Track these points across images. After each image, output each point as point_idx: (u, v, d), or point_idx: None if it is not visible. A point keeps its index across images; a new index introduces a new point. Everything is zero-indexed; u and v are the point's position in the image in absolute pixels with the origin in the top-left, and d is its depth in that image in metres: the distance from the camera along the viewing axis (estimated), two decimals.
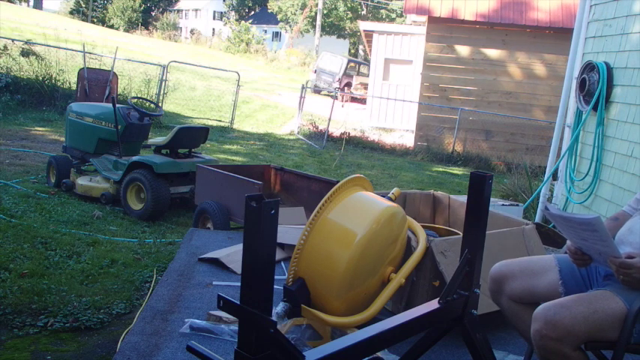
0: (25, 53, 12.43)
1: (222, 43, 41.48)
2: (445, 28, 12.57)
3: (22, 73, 11.70)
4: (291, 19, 46.50)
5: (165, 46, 32.72)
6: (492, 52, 12.54)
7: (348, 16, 44.51)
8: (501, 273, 2.31)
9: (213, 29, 56.15)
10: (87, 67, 10.26)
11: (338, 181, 3.05)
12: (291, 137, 12.96)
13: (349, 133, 13.13)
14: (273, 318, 1.54)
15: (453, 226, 3.73)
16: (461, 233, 2.69)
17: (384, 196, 2.83)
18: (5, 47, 12.34)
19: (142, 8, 48.89)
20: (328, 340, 2.60)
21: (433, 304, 2.00)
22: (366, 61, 24.41)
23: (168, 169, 5.59)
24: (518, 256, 2.53)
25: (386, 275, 2.66)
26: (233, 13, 57.09)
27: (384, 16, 43.62)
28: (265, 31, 49.23)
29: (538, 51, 12.30)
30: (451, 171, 11.16)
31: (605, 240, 1.95)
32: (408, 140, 13.62)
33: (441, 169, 11.21)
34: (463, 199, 2.92)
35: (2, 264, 3.85)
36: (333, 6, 44.50)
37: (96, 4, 49.64)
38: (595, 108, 5.41)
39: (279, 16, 47.53)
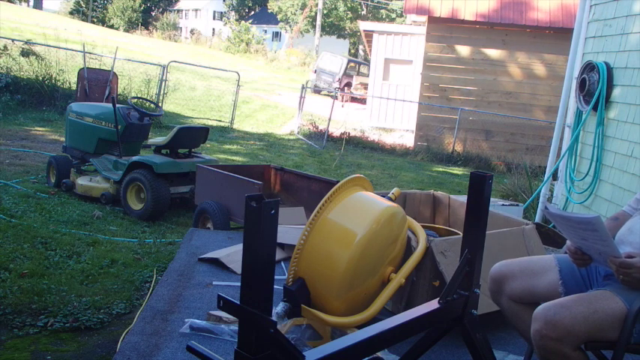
0: (25, 53, 12.43)
1: (222, 43, 41.48)
2: (445, 28, 12.58)
3: (22, 73, 11.70)
4: (291, 19, 46.50)
5: (165, 46, 32.73)
6: (492, 52, 12.54)
7: (348, 16, 44.52)
8: (501, 273, 2.31)
9: (213, 29, 56.16)
10: (87, 67, 10.26)
11: (338, 181, 3.05)
12: (291, 137, 12.96)
13: (349, 133, 13.13)
14: (273, 318, 1.54)
15: (453, 226, 3.73)
16: (461, 233, 2.69)
17: (384, 196, 2.83)
18: (5, 47, 12.34)
19: (142, 8, 48.88)
20: (328, 340, 2.60)
21: (433, 304, 2.00)
22: (366, 61, 24.41)
23: (169, 169, 5.59)
24: (518, 256, 2.53)
25: (386, 275, 2.66)
26: (233, 13, 57.09)
27: (384, 16, 43.63)
28: (265, 31, 49.23)
29: (538, 51, 12.30)
30: (451, 171, 11.16)
31: (605, 240, 1.95)
32: (408, 140, 13.62)
33: (441, 169, 11.21)
34: (463, 199, 2.92)
35: (2, 264, 3.85)
36: (333, 6, 44.50)
37: (96, 4, 49.65)
38: (595, 108, 5.41)
39: (279, 16, 47.54)
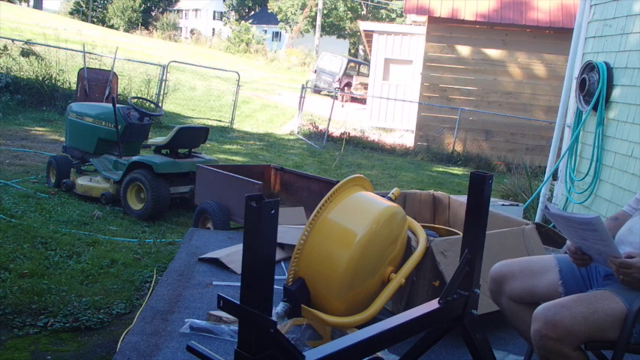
0: (25, 53, 12.43)
1: (222, 43, 41.48)
2: (445, 28, 12.58)
3: (22, 73, 11.70)
4: (291, 19, 46.50)
5: (165, 46, 32.73)
6: (492, 52, 12.54)
7: (348, 16, 44.52)
8: (501, 273, 2.31)
9: (213, 29, 56.16)
10: (87, 67, 10.26)
11: (338, 181, 3.05)
12: (291, 137, 12.96)
13: (349, 133, 13.13)
14: (273, 318, 1.54)
15: (453, 226, 3.73)
16: (461, 233, 2.69)
17: (384, 196, 2.83)
18: (5, 47, 12.34)
19: (142, 8, 48.88)
20: (328, 340, 2.60)
21: (433, 304, 2.00)
22: (366, 61, 24.41)
23: (169, 169, 5.59)
24: (518, 256, 2.53)
25: (386, 275, 2.66)
26: (233, 13, 57.09)
27: (384, 16, 43.63)
28: (265, 31, 49.23)
29: (538, 51, 12.30)
30: (451, 171, 11.16)
31: (605, 240, 1.95)
32: (408, 140, 13.62)
33: (441, 169, 11.21)
34: (463, 199, 2.92)
35: (2, 264, 3.85)
36: (333, 6, 44.50)
37: (96, 4, 49.65)
38: (595, 108, 5.41)
39: (279, 16, 47.54)
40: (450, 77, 12.71)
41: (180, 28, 53.31)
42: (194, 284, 3.45)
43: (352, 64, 24.54)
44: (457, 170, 11.33)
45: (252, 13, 57.45)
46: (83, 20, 43.12)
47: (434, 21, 12.54)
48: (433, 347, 2.20)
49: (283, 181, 5.58)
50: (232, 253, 3.86)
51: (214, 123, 13.04)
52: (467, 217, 2.07)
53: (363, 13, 44.23)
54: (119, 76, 10.79)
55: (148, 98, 11.77)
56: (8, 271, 3.75)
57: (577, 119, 5.89)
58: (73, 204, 5.71)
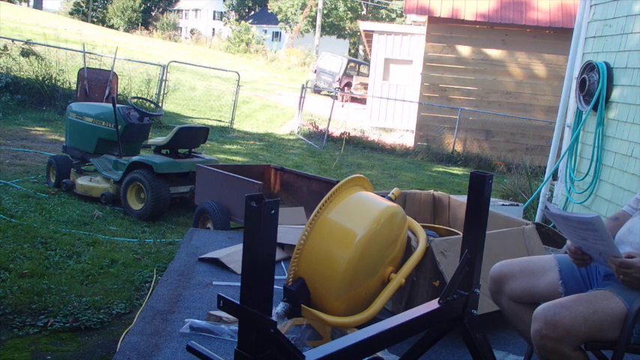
0: (25, 53, 12.42)
1: (222, 43, 41.49)
2: (445, 28, 12.58)
3: (22, 73, 11.70)
4: (291, 19, 46.50)
5: (165, 46, 32.73)
6: (492, 52, 12.54)
7: (348, 16, 44.51)
8: (501, 273, 2.31)
9: (213, 29, 56.16)
10: (87, 67, 10.26)
11: (338, 181, 3.05)
12: (291, 137, 12.96)
13: (349, 133, 13.13)
14: (273, 318, 1.54)
15: (453, 226, 3.73)
16: (461, 233, 2.69)
17: (384, 196, 2.83)
18: (5, 47, 12.34)
19: (142, 8, 48.88)
20: (328, 340, 2.60)
21: (433, 304, 2.00)
22: (366, 61, 24.41)
23: (169, 169, 5.59)
24: (518, 256, 2.53)
25: (386, 275, 2.66)
26: (233, 13, 57.09)
27: (384, 16, 43.63)
28: (265, 31, 49.23)
29: (538, 51, 12.30)
30: (451, 171, 11.16)
31: (605, 240, 1.95)
32: (408, 140, 13.62)
33: (441, 169, 11.21)
34: (463, 199, 2.92)
35: (2, 264, 3.85)
36: (333, 6, 44.50)
37: (96, 4, 49.65)
38: (595, 108, 5.41)
39: (279, 16, 47.54)
40: (450, 77, 12.71)
41: (180, 28, 53.32)
42: (194, 284, 3.45)
43: (352, 64, 24.54)
44: (457, 170, 11.33)
45: (252, 13, 57.45)
46: (83, 20, 43.12)
47: (434, 21, 12.54)
48: (433, 347, 2.20)
49: (283, 181, 5.58)
50: (232, 253, 3.86)
51: (214, 123, 13.04)
52: (467, 217, 2.07)
53: (363, 13, 44.23)
54: (119, 76, 10.79)
55: (148, 98, 11.77)
56: (8, 271, 3.75)
57: (577, 119, 5.89)
58: (73, 204, 5.71)
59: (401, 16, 37.42)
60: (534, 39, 12.31)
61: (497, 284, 2.31)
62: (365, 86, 20.46)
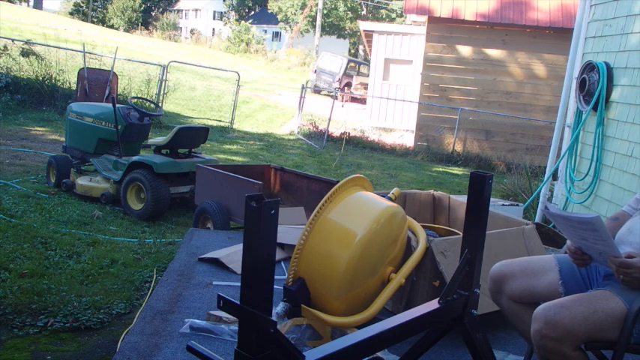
0: (25, 53, 12.42)
1: (222, 43, 41.48)
2: (445, 28, 12.58)
3: (22, 73, 11.69)
4: (291, 19, 46.50)
5: (165, 46, 32.73)
6: (492, 52, 12.54)
7: (348, 16, 44.51)
8: (501, 273, 2.31)
9: (213, 29, 56.16)
10: (87, 67, 10.26)
11: (338, 181, 3.05)
12: (291, 137, 12.96)
13: (349, 133, 13.13)
14: (273, 318, 1.54)
15: (453, 226, 3.73)
16: (461, 233, 2.69)
17: (384, 196, 2.83)
18: (5, 47, 12.34)
19: (142, 8, 48.88)
20: (328, 340, 2.60)
21: (433, 304, 2.00)
22: (366, 61, 24.41)
23: (169, 169, 5.59)
24: (518, 256, 2.53)
25: (386, 275, 2.66)
26: (233, 13, 57.09)
27: (384, 16, 43.63)
28: (265, 31, 49.23)
29: (538, 51, 12.30)
30: (451, 171, 11.16)
31: (605, 239, 1.95)
32: (408, 140, 13.62)
33: (441, 169, 11.21)
34: (463, 199, 2.92)
35: (2, 264, 3.85)
36: (333, 6, 44.50)
37: (96, 4, 49.65)
38: (595, 108, 5.41)
39: (279, 16, 47.54)
40: (450, 77, 12.71)
41: (180, 28, 53.31)
42: (194, 284, 3.45)
43: (352, 64, 24.54)
44: (457, 170, 11.33)
45: (252, 13, 57.45)
46: (83, 20, 43.12)
47: (434, 21, 12.54)
48: (433, 347, 2.20)
49: (283, 181, 5.58)
50: (232, 253, 3.86)
51: (214, 123, 13.04)
52: (467, 217, 2.07)
53: (363, 13, 44.23)
54: (119, 76, 10.79)
55: (148, 98, 11.77)
56: (8, 271, 3.75)
57: (577, 119, 5.89)
58: (73, 204, 5.71)
59: (401, 16, 37.42)
60: (534, 39, 12.32)
61: (497, 284, 2.31)
62: (365, 86, 20.46)
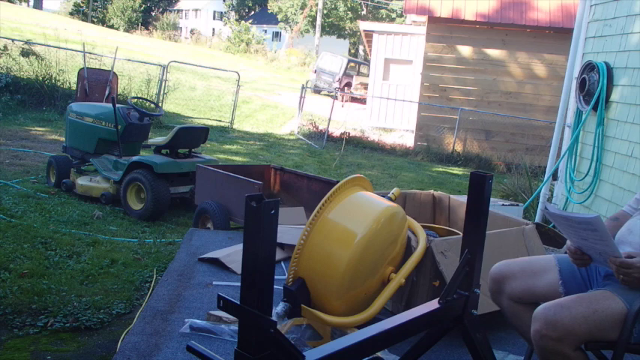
0: (25, 53, 12.42)
1: (222, 43, 41.49)
2: (445, 28, 12.58)
3: (22, 73, 11.69)
4: (291, 19, 46.50)
5: (165, 46, 32.73)
6: (492, 52, 12.54)
7: (348, 16, 44.51)
8: (501, 273, 2.31)
9: (213, 29, 56.16)
10: (87, 67, 10.26)
11: (338, 181, 3.05)
12: (291, 137, 12.96)
13: (349, 133, 13.14)
14: (273, 318, 1.54)
15: (453, 226, 3.73)
16: (461, 233, 2.69)
17: (384, 196, 2.83)
18: (5, 47, 12.34)
19: (142, 8, 48.89)
20: (328, 340, 2.60)
21: (433, 304, 2.00)
22: (366, 61, 24.41)
23: (169, 169, 5.59)
24: (518, 256, 2.53)
25: (386, 275, 2.66)
26: (233, 13, 57.10)
27: (384, 16, 43.63)
28: (265, 31, 49.24)
29: (538, 51, 12.30)
30: (451, 171, 11.17)
31: (605, 239, 1.95)
32: (408, 140, 13.62)
33: (441, 169, 11.21)
34: (463, 199, 2.92)
35: (2, 264, 3.85)
36: (333, 6, 44.50)
37: (96, 4, 49.65)
38: (595, 108, 5.41)
39: (279, 16, 47.54)
40: (450, 77, 12.71)
41: (180, 28, 53.31)
42: (194, 284, 3.45)
43: (352, 64, 24.54)
44: (457, 170, 11.33)
45: (252, 13, 57.46)
46: (83, 20, 43.12)
47: (434, 21, 12.54)
48: (433, 347, 2.20)
49: (283, 181, 5.58)
50: (232, 253, 3.86)
51: (214, 123, 13.04)
52: (467, 217, 2.07)
53: (363, 13, 44.23)
54: (119, 76, 10.78)
55: (148, 98, 11.77)
56: (8, 271, 3.75)
57: (577, 119, 5.89)
58: (73, 204, 5.71)
59: (401, 16, 37.42)
60: (534, 39, 12.31)
61: (497, 284, 2.31)
62: (365, 86, 20.46)
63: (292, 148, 11.51)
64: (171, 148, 5.82)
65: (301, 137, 12.89)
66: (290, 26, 47.08)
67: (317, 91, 23.03)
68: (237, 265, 3.68)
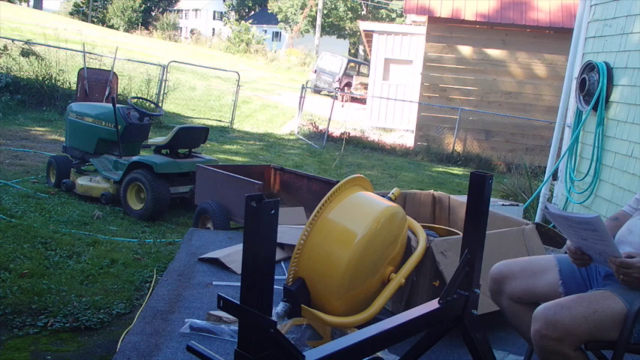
0: (25, 53, 12.42)
1: (222, 43, 41.48)
2: (445, 28, 12.58)
3: (22, 73, 11.69)
4: (291, 19, 46.51)
5: (165, 46, 32.73)
6: (492, 52, 12.54)
7: (348, 16, 44.51)
8: (501, 273, 2.31)
9: (213, 29, 56.16)
10: (87, 67, 10.26)
11: (338, 181, 3.05)
12: (291, 137, 12.96)
13: (349, 133, 13.14)
14: (273, 318, 1.54)
15: (453, 226, 3.73)
16: (461, 233, 2.69)
17: (384, 196, 2.83)
18: (5, 47, 12.34)
19: (142, 8, 48.88)
20: (328, 340, 2.60)
21: (433, 304, 2.00)
22: (366, 61, 24.41)
23: (169, 169, 5.59)
24: (518, 256, 2.53)
25: (386, 275, 2.66)
26: (233, 13, 57.10)
27: (384, 16, 43.63)
28: (265, 31, 49.24)
29: (538, 51, 12.30)
30: (451, 171, 11.16)
31: (605, 239, 1.95)
32: (408, 140, 13.62)
33: (441, 169, 11.21)
34: (463, 199, 2.92)
35: (2, 264, 3.85)
36: (333, 6, 44.50)
37: (96, 4, 49.65)
38: (595, 108, 5.41)
39: (279, 16, 47.54)
40: (450, 77, 12.71)
41: (180, 28, 53.32)
42: (194, 284, 3.45)
43: (352, 64, 24.53)
44: (457, 170, 11.33)
45: (252, 13, 57.46)
46: (83, 20, 43.11)
47: (434, 21, 12.54)
48: (433, 347, 2.20)
49: (283, 181, 5.59)
50: (232, 253, 3.86)
51: (214, 123, 13.04)
52: (467, 217, 2.07)
53: (363, 13, 44.23)
54: (119, 76, 10.78)
55: (148, 98, 11.77)
56: (8, 271, 3.75)
57: (577, 119, 5.89)
58: (73, 204, 5.71)
59: (401, 16, 37.42)
60: (534, 39, 12.31)
61: (497, 284, 2.31)
62: (365, 86, 20.46)
63: (292, 148, 11.51)
64: (171, 148, 5.82)
65: (301, 137, 12.89)
66: (290, 26, 47.08)
67: (317, 91, 23.03)
68: (237, 265, 3.68)
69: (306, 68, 33.50)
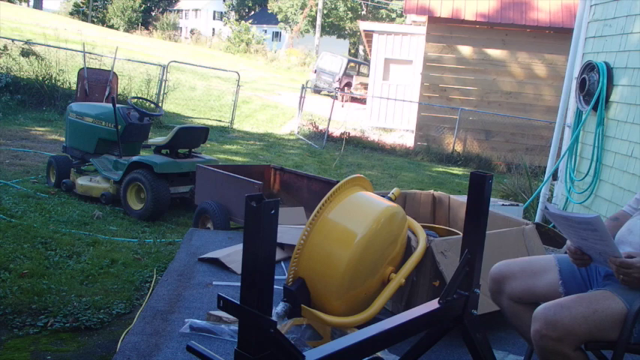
0: (25, 53, 12.42)
1: (222, 43, 41.48)
2: (445, 28, 12.58)
3: (22, 73, 11.69)
4: (291, 19, 46.51)
5: (165, 46, 32.73)
6: (492, 52, 12.54)
7: (348, 16, 44.52)
8: (501, 273, 2.31)
9: (213, 29, 56.16)
10: (87, 67, 10.26)
11: (338, 181, 3.05)
12: (291, 137, 12.96)
13: (349, 133, 13.14)
14: (273, 318, 1.54)
15: (453, 226, 3.73)
16: (461, 233, 2.69)
17: (384, 196, 2.83)
18: (5, 47, 12.34)
19: (142, 8, 48.89)
20: (328, 340, 2.60)
21: (433, 304, 2.00)
22: (366, 61, 24.41)
23: (169, 169, 5.59)
24: (518, 256, 2.53)
25: (386, 275, 2.66)
26: (233, 13, 57.10)
27: (384, 16, 43.63)
28: (265, 31, 49.24)
29: (538, 51, 12.30)
30: (451, 171, 11.16)
31: (605, 239, 1.95)
32: (408, 140, 13.62)
33: (441, 169, 11.21)
34: (463, 199, 2.92)
35: (2, 264, 3.85)
36: (333, 6, 44.50)
37: (96, 4, 49.65)
38: (595, 108, 5.41)
39: (279, 16, 47.55)
40: (450, 77, 12.71)
41: (180, 28, 53.31)
42: (194, 284, 3.45)
43: (352, 64, 24.54)
44: (457, 170, 11.33)
45: (252, 13, 57.46)
46: (83, 20, 43.11)
47: (434, 21, 12.54)
48: (433, 347, 2.20)
49: (283, 181, 5.59)
50: (232, 253, 3.86)
51: (214, 123, 13.04)
52: (467, 217, 2.07)
53: (363, 13, 44.23)
54: (119, 76, 10.78)
55: (148, 98, 11.77)
56: (8, 271, 3.75)
57: (577, 119, 5.89)
58: (73, 204, 5.71)
59: (401, 16, 37.42)
60: (534, 39, 12.31)
61: (497, 284, 2.31)
62: (365, 86, 20.46)
63: (292, 148, 11.51)
64: (171, 148, 5.82)
65: (301, 137, 12.89)
66: (290, 26, 47.08)
67: (317, 91, 23.03)
68: (237, 265, 3.68)
69: (306, 68, 33.50)
